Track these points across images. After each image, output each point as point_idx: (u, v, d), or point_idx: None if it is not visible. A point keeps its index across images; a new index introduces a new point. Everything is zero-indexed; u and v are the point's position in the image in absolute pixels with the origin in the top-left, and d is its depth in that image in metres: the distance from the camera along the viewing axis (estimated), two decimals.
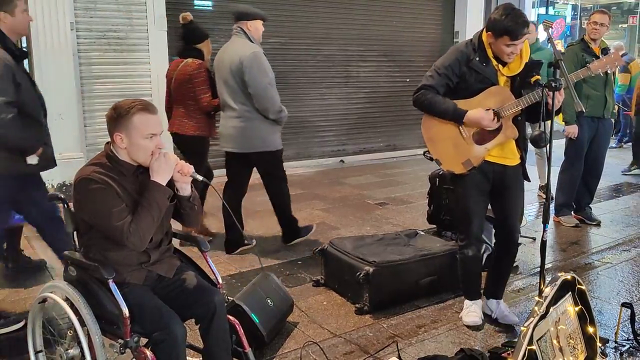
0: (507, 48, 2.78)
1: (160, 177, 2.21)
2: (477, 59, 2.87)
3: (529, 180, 3.15)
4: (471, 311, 3.20)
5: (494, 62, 2.89)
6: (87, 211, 2.19)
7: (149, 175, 2.22)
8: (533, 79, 2.83)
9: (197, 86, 4.27)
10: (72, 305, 2.21)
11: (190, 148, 4.44)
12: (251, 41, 4.10)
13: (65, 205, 2.35)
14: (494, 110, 2.89)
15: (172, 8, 6.64)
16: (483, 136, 2.95)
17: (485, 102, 2.90)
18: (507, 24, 2.72)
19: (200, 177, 2.33)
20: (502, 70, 2.90)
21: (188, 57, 4.38)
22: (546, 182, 2.75)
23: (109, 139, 2.26)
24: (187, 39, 4.47)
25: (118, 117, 2.19)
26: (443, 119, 2.97)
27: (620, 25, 16.40)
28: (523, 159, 3.07)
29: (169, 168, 2.23)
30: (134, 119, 2.17)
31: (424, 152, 3.25)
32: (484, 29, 2.89)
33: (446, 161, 3.03)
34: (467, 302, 3.24)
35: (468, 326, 3.17)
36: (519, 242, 3.18)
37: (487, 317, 3.26)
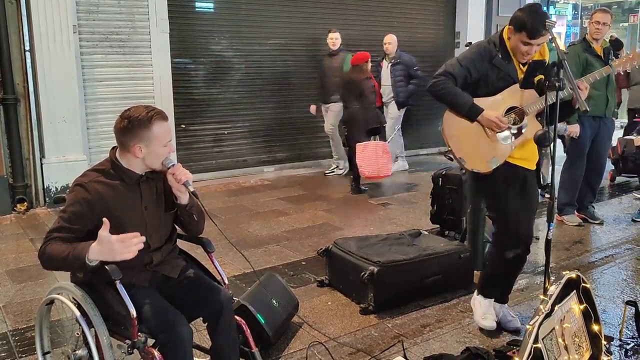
0: (524, 46, 2.77)
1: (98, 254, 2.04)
2: (500, 56, 2.85)
3: (541, 187, 3.10)
4: (488, 314, 3.09)
5: (515, 60, 2.87)
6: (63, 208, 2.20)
7: (150, 184, 2.28)
8: (536, 79, 2.83)
9: None
10: (79, 307, 2.22)
11: None
12: None
13: None
14: (518, 107, 2.87)
15: (174, 10, 6.67)
16: None
17: (508, 100, 2.88)
18: (528, 21, 2.71)
19: (192, 188, 2.29)
20: (523, 68, 2.88)
21: None
22: (550, 181, 2.75)
23: (113, 144, 2.28)
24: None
25: (136, 128, 2.16)
26: (456, 113, 2.87)
27: (621, 24, 16.39)
28: (539, 164, 3.01)
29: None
30: (154, 129, 2.17)
31: (445, 152, 3.19)
32: (506, 26, 2.87)
33: (470, 160, 2.92)
34: (483, 301, 3.12)
35: (483, 329, 3.07)
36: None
37: None
